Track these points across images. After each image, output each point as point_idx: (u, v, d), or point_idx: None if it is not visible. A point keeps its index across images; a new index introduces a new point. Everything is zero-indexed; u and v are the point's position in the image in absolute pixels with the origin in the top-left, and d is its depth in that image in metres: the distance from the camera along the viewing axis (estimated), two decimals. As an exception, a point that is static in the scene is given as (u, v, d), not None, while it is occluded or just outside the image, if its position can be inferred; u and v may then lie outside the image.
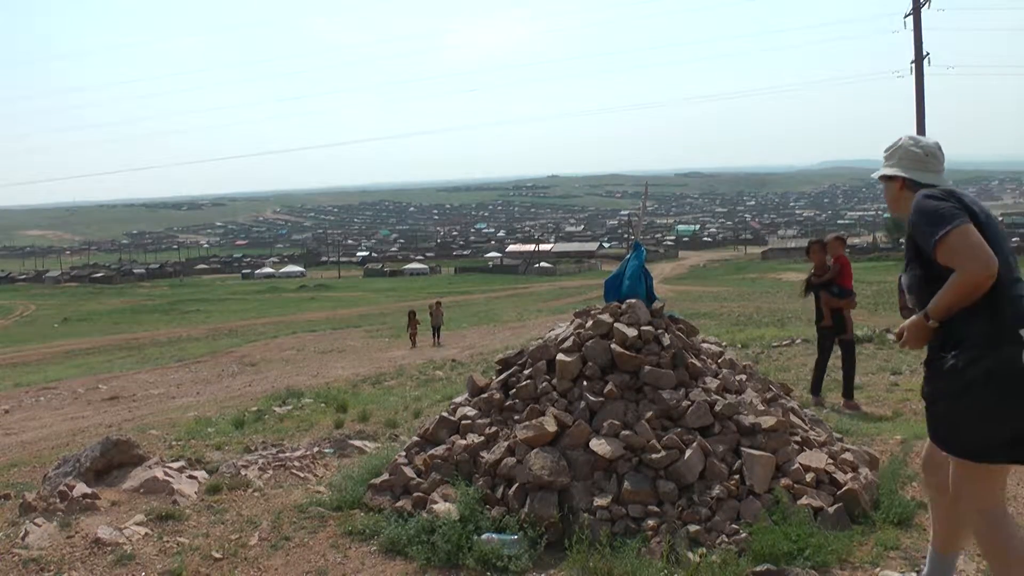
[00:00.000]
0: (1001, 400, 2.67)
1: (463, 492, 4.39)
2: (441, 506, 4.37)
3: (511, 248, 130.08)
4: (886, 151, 3.18)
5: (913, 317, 2.90)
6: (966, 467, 2.82)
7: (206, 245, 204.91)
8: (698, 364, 4.94)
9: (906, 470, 5.10)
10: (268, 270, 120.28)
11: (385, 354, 18.48)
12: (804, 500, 4.19)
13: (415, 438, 5.25)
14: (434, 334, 21.70)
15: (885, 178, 3.16)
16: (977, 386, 2.69)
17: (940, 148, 3.12)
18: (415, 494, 4.66)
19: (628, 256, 5.36)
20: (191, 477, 5.57)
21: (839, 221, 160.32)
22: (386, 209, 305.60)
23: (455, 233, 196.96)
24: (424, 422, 5.70)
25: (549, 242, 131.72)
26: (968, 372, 2.71)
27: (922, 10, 23.53)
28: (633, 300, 5.13)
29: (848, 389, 7.48)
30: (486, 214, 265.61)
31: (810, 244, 8.02)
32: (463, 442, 4.86)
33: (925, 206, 2.84)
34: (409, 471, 4.88)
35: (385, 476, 4.92)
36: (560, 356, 4.91)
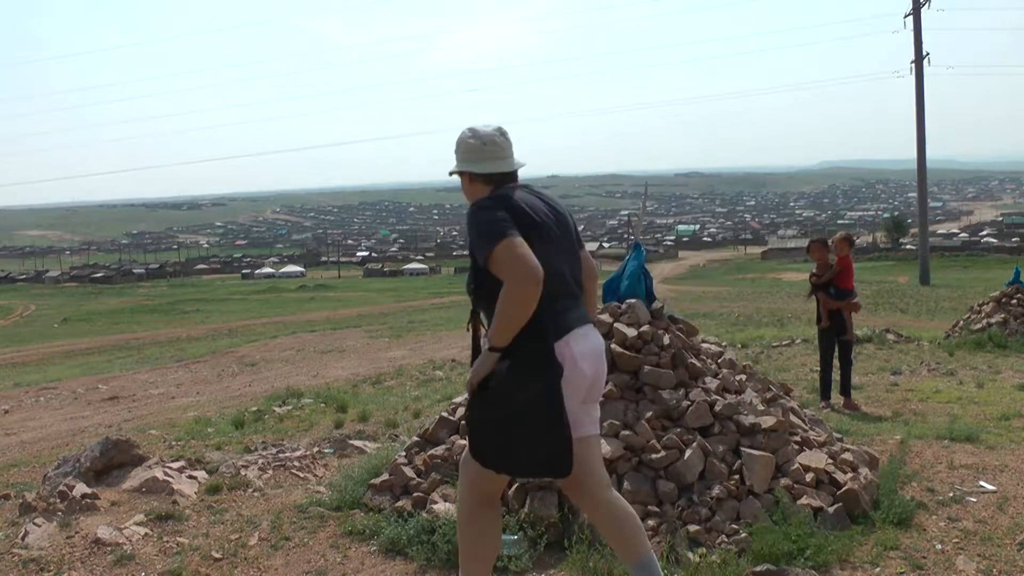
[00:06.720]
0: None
1: (463, 492, 4.39)
2: (441, 506, 4.37)
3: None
4: (454, 148, 3.10)
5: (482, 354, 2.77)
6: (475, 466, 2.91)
7: (206, 245, 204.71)
8: (698, 364, 4.94)
9: (905, 470, 5.10)
10: (268, 270, 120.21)
11: (385, 354, 18.46)
12: (804, 500, 4.20)
13: (415, 438, 5.25)
14: None
15: (458, 174, 3.08)
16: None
17: (502, 133, 3.04)
18: (415, 494, 4.66)
19: (628, 256, 5.35)
20: (191, 477, 5.57)
21: (839, 221, 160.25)
22: (386, 209, 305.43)
23: (455, 233, 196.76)
24: (424, 422, 5.70)
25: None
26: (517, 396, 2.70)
27: (922, 10, 23.55)
28: (633, 300, 5.13)
29: (845, 387, 7.49)
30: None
31: (810, 243, 7.99)
32: (463, 442, 4.86)
33: (475, 218, 2.81)
34: (409, 471, 4.88)
35: (385, 476, 4.92)
36: (560, 356, 4.91)
